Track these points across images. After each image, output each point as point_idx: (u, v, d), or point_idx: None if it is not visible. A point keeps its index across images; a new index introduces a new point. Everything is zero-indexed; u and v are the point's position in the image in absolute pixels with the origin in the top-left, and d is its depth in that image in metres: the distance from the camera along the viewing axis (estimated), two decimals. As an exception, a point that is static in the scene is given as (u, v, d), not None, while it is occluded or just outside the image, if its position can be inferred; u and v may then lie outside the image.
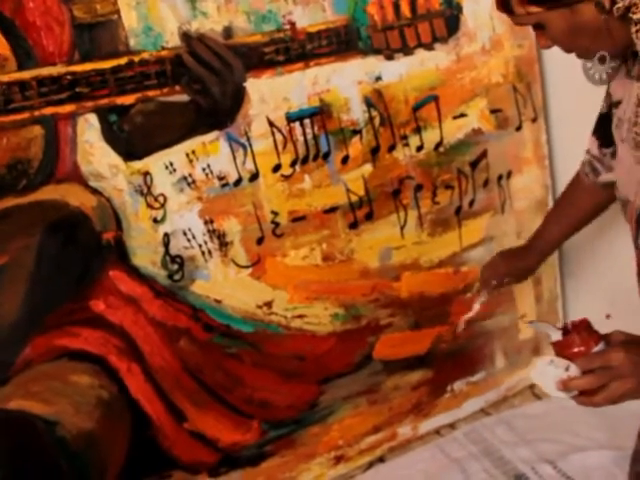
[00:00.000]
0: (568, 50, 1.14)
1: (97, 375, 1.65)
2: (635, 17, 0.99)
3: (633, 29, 1.00)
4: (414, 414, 2.12)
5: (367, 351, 1.98)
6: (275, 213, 1.78)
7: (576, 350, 1.05)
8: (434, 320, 2.05)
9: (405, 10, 1.85)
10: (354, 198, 1.87)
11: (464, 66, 1.96)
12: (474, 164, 2.01)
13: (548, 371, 1.05)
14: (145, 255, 1.66)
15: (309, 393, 1.92)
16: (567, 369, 1.02)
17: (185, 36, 1.63)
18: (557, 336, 1.09)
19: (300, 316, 1.86)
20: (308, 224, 1.82)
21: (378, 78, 1.85)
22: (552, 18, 1.07)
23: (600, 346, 1.05)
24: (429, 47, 1.89)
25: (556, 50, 1.15)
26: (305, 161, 1.79)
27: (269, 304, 1.81)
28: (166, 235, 1.67)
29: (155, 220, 1.66)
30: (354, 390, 2.00)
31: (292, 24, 1.74)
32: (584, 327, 1.09)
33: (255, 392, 1.84)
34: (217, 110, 1.68)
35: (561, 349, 1.08)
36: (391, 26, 1.84)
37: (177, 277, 1.70)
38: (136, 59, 1.57)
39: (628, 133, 1.15)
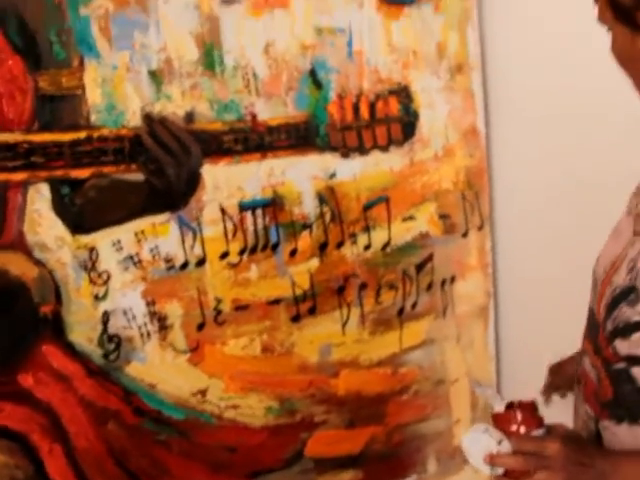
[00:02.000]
0: (623, 69, 1.06)
1: (14, 454, 1.57)
2: None
3: None
4: (344, 516, 2.07)
5: (299, 447, 1.93)
6: (219, 300, 1.76)
7: (514, 428, 1.03)
8: (369, 419, 2.01)
9: (364, 113, 1.90)
10: (299, 291, 1.86)
11: (416, 170, 2.01)
12: (419, 267, 2.03)
13: (480, 439, 1.02)
14: (82, 332, 1.61)
15: (237, 487, 1.87)
16: (499, 443, 1.00)
17: (147, 117, 1.63)
18: (500, 408, 1.07)
19: (234, 406, 1.81)
20: (251, 314, 1.80)
21: (332, 175, 1.88)
22: (617, 31, 1.02)
23: (540, 432, 1.04)
24: (384, 149, 1.93)
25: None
26: (253, 251, 1.79)
27: (203, 392, 1.76)
28: (106, 313, 1.63)
29: (96, 297, 1.62)
30: (283, 487, 1.96)
31: (253, 116, 1.77)
32: (529, 408, 1.07)
33: (182, 483, 1.78)
34: (171, 192, 1.67)
35: (500, 422, 1.05)
36: (350, 126, 1.89)
37: (113, 357, 1.64)
38: (95, 134, 1.56)
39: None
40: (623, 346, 1.03)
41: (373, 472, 2.06)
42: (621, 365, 1.04)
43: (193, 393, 1.76)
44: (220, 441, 1.81)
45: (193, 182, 1.70)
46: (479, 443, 1.02)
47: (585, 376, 1.14)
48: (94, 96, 1.57)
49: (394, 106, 1.95)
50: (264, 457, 1.88)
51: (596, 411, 1.11)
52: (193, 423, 1.76)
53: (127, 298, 1.65)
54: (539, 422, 1.06)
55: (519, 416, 1.05)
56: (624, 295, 1.02)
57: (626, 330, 1.02)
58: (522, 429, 1.04)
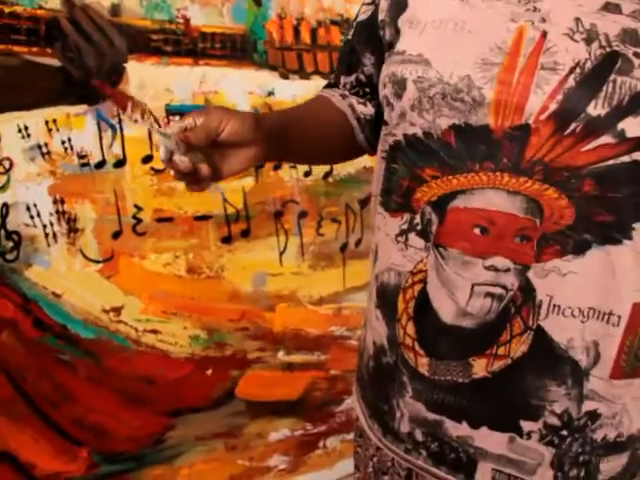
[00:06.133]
0: None
1: None
2: None
3: None
4: (278, 469, 1.75)
5: (229, 386, 1.64)
6: (138, 208, 1.50)
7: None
8: (310, 364, 1.73)
9: (305, 37, 1.71)
10: (231, 210, 1.60)
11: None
12: (363, 202, 1.78)
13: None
14: (-26, 223, 1.36)
15: (155, 425, 1.55)
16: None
17: (67, 1, 1.43)
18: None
19: (153, 331, 1.53)
20: (175, 228, 1.54)
21: (270, 93, 1.66)
22: None
23: None
24: (326, 77, 1.73)
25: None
26: (181, 159, 1.54)
27: (118, 310, 1.48)
28: (5, 206, 1.36)
29: (-5, 185, 1.37)
30: (210, 430, 1.64)
31: (186, 19, 1.56)
32: None
33: (88, 413, 1.46)
34: (89, 84, 1.45)
35: None
36: (289, 47, 1.69)
37: (10, 257, 1.37)
38: (6, 10, 1.35)
39: None
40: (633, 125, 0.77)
41: (313, 423, 1.75)
42: (625, 159, 0.78)
43: (105, 310, 1.48)
44: (136, 369, 1.52)
45: (115, 76, 1.47)
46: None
47: (489, 218, 0.85)
48: (9, -30, 1.37)
49: (336, 36, 1.77)
50: (187, 393, 1.58)
51: (528, 255, 0.84)
52: (104, 345, 1.48)
53: (31, 192, 1.40)
54: None
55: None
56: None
57: (636, 102, 0.77)
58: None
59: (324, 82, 1.75)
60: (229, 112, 0.84)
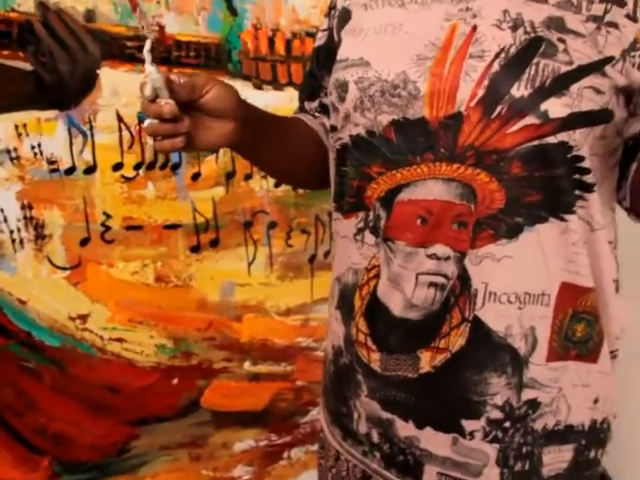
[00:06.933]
0: None
1: None
2: None
3: None
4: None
5: (195, 396, 1.62)
6: (107, 215, 1.47)
7: None
8: (275, 374, 1.72)
9: (279, 48, 1.70)
10: (200, 219, 1.59)
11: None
12: (333, 214, 1.79)
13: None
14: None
15: (119, 434, 1.53)
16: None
17: (42, 5, 1.41)
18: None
19: (119, 339, 1.51)
20: (144, 236, 1.52)
21: (244, 103, 1.66)
22: None
23: None
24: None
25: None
26: (151, 167, 1.52)
27: (84, 318, 1.46)
28: (-29, 210, 1.34)
29: (-40, 190, 1.34)
30: (175, 440, 1.62)
31: (161, 27, 1.55)
32: None
33: (51, 422, 1.43)
34: (61, 89, 1.42)
35: None
36: (263, 58, 1.69)
37: (-25, 262, 1.34)
38: (-22, 12, 1.33)
39: None
40: (556, 105, 0.79)
41: (278, 433, 1.74)
42: (551, 139, 0.80)
43: (71, 317, 1.46)
44: (101, 378, 1.49)
45: (88, 82, 1.46)
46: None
47: (428, 208, 0.85)
48: (-20, -29, 1.34)
49: (310, 47, 1.75)
50: (153, 402, 1.56)
51: (465, 242, 0.85)
52: (70, 353, 1.45)
53: (-1, 197, 1.36)
54: None
55: None
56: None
57: (559, 84, 0.79)
58: None
59: (297, 93, 1.77)
60: (216, 79, 0.84)
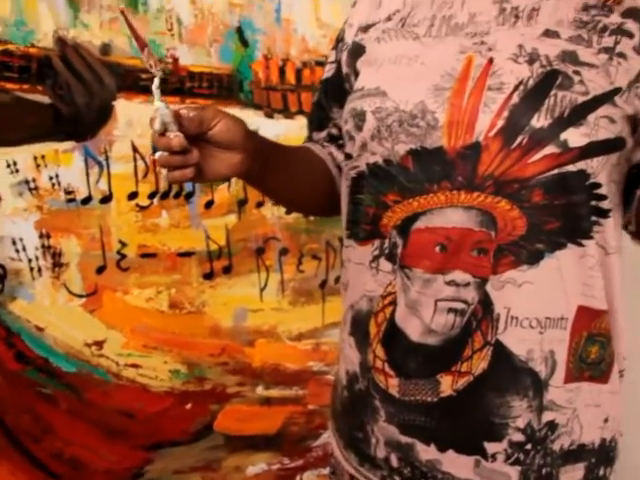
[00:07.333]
0: None
1: None
2: None
3: None
4: (254, 503, 1.75)
5: (208, 420, 1.64)
6: (123, 243, 1.51)
7: None
8: (287, 398, 1.74)
9: (290, 77, 1.74)
10: (213, 247, 1.62)
11: (343, 141, 1.83)
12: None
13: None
14: (-40, 257, 1.36)
15: (134, 459, 1.54)
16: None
17: (60, 41, 1.46)
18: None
19: (134, 365, 1.53)
20: (158, 263, 1.55)
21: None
22: None
23: None
24: (310, 117, 1.77)
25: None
26: (165, 196, 1.56)
27: (100, 344, 1.49)
28: (-9, 239, 1.37)
29: (-19, 219, 1.37)
30: (188, 464, 1.63)
31: (175, 59, 1.59)
32: None
33: (67, 447, 1.46)
34: (78, 121, 1.47)
35: None
36: (274, 87, 1.72)
37: (-5, 290, 1.38)
38: (0, 47, 1.37)
39: None
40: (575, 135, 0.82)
41: (290, 457, 1.75)
42: (570, 167, 0.82)
43: (87, 344, 1.48)
44: (117, 403, 1.51)
45: (104, 114, 1.50)
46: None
47: (447, 235, 0.87)
48: (3, 9, 1.39)
49: (320, 76, 1.78)
50: (167, 427, 1.58)
51: (486, 268, 0.87)
52: (86, 378, 1.48)
53: (18, 226, 1.41)
54: None
55: None
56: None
57: (577, 114, 0.82)
58: None
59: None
60: (224, 112, 0.86)
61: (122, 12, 0.95)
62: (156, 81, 0.84)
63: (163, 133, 0.81)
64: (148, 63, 0.87)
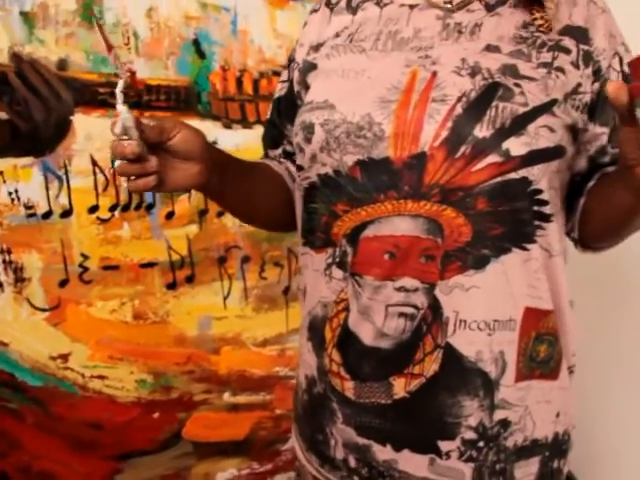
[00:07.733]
0: None
1: None
2: None
3: None
4: (224, 509, 1.76)
5: (176, 428, 1.66)
6: (85, 256, 1.52)
7: None
8: (254, 404, 1.76)
9: (247, 87, 1.77)
10: (175, 257, 1.64)
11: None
12: (306, 246, 1.84)
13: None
14: None
15: (103, 470, 1.56)
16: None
17: (15, 57, 1.47)
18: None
19: (100, 377, 1.54)
20: (121, 275, 1.57)
21: (214, 142, 1.70)
22: None
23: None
24: (268, 126, 1.79)
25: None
26: (126, 208, 1.57)
27: (65, 357, 1.50)
28: (-48, 257, 1.38)
29: (-59, 238, 1.38)
30: (158, 473, 1.65)
31: (132, 72, 1.61)
32: None
33: (35, 460, 1.46)
34: (36, 136, 1.48)
35: None
36: (232, 98, 1.75)
37: (-43, 307, 1.38)
38: (-48, 64, 1.38)
39: None
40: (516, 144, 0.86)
41: (259, 461, 1.77)
42: (512, 175, 0.86)
43: (52, 357, 1.49)
44: (84, 415, 1.53)
45: (62, 129, 1.51)
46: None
47: (395, 243, 0.90)
48: (-44, 26, 1.39)
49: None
50: (135, 437, 1.59)
51: (434, 274, 0.90)
52: (52, 392, 1.49)
53: (-22, 242, 1.40)
54: None
55: None
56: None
57: (517, 124, 0.86)
58: None
59: (266, 131, 1.81)
60: (184, 123, 0.88)
61: (92, 15, 0.97)
62: (120, 84, 0.84)
63: (122, 136, 0.81)
64: (115, 63, 0.88)
